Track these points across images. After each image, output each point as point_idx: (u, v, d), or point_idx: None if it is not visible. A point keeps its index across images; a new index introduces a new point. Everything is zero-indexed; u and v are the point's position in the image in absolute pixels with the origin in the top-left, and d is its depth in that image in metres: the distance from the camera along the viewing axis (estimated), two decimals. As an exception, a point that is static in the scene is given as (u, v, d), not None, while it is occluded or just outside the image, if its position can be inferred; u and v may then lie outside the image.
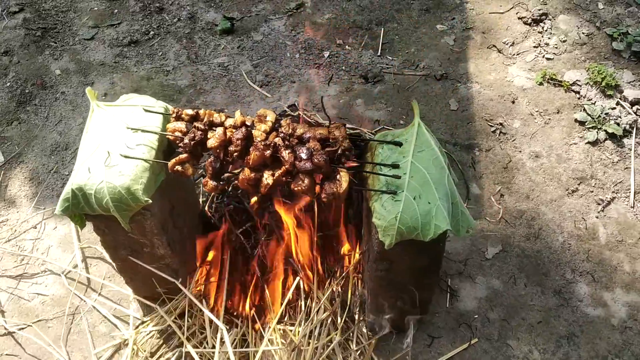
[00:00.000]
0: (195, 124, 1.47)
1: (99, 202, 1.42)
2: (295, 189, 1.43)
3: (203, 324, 1.74)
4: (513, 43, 2.56)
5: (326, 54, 2.55)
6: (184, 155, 1.45)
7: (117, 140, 1.48)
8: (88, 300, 1.88)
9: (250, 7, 2.71)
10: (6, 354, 1.80)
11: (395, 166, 1.45)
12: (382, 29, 2.62)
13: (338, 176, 1.43)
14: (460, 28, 2.62)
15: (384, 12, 2.67)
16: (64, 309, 1.87)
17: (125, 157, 1.45)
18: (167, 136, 1.49)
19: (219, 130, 1.45)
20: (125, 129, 1.50)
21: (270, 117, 1.52)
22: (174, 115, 1.52)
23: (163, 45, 2.58)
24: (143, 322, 1.79)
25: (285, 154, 1.42)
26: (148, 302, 1.79)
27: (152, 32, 2.62)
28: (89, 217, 1.53)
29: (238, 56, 2.54)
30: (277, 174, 1.42)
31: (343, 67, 2.50)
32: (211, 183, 1.44)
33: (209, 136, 1.46)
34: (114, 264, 1.73)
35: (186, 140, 1.44)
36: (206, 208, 1.92)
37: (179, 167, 1.44)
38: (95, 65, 2.50)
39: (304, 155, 1.42)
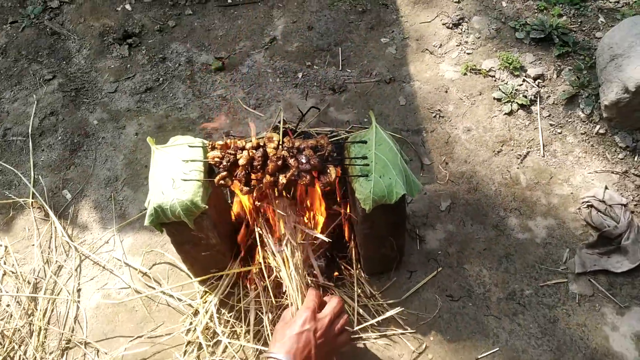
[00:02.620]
0: (227, 150, 2.18)
1: (173, 213, 2.13)
2: (301, 183, 2.16)
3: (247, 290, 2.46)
4: (440, 45, 3.27)
5: (300, 75, 3.23)
6: (223, 173, 2.16)
7: (176, 170, 2.19)
8: (159, 288, 2.59)
9: (234, 46, 3.40)
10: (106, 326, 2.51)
11: (364, 157, 2.17)
12: (340, 48, 3.31)
13: (328, 170, 2.16)
14: (399, 38, 3.33)
15: (339, 34, 3.35)
16: (143, 296, 2.58)
17: (185, 180, 2.16)
18: (209, 162, 2.19)
19: (245, 153, 2.16)
20: (180, 161, 2.21)
21: (276, 137, 2.24)
22: (209, 147, 2.23)
23: (172, 87, 3.25)
24: (205, 293, 2.51)
25: (291, 161, 2.14)
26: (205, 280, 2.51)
27: (161, 79, 3.28)
28: (164, 225, 2.24)
29: (232, 87, 3.23)
30: (287, 175, 2.15)
31: (315, 84, 3.19)
32: (245, 188, 2.16)
33: (238, 157, 2.17)
34: (179, 256, 2.44)
35: (224, 163, 2.15)
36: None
37: (222, 181, 2.16)
38: (123, 111, 3.18)
39: (304, 160, 2.14)
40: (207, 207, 2.11)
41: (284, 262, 2.26)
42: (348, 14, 3.25)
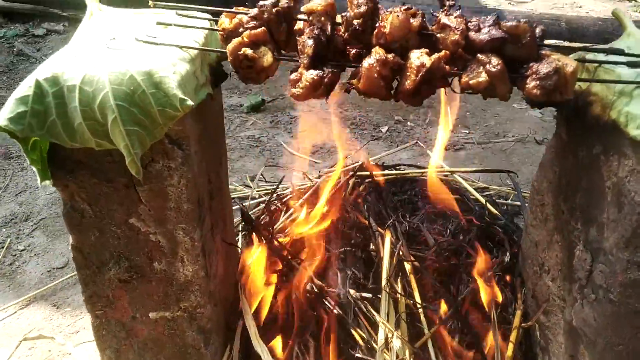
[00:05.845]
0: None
1: (88, 105, 0.70)
2: (473, 80, 0.75)
3: None
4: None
5: (384, 129, 2.00)
6: (258, 30, 0.77)
7: (132, 32, 0.82)
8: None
9: (282, 92, 2.23)
10: None
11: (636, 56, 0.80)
12: (449, 106, 2.13)
13: (550, 58, 0.77)
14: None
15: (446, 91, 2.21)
16: None
17: (147, 43, 0.77)
18: (220, 32, 0.82)
19: (318, -5, 0.80)
20: (147, 27, 0.84)
21: None
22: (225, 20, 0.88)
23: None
24: None
25: (451, 19, 0.77)
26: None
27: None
28: (56, 166, 0.78)
29: (272, 130, 1.96)
30: (436, 55, 0.75)
31: (409, 140, 1.93)
32: (309, 75, 0.74)
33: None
34: (90, 315, 0.90)
35: (265, 3, 0.78)
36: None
37: (248, 51, 0.76)
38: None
39: (486, 21, 0.77)
40: (191, 104, 0.70)
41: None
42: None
